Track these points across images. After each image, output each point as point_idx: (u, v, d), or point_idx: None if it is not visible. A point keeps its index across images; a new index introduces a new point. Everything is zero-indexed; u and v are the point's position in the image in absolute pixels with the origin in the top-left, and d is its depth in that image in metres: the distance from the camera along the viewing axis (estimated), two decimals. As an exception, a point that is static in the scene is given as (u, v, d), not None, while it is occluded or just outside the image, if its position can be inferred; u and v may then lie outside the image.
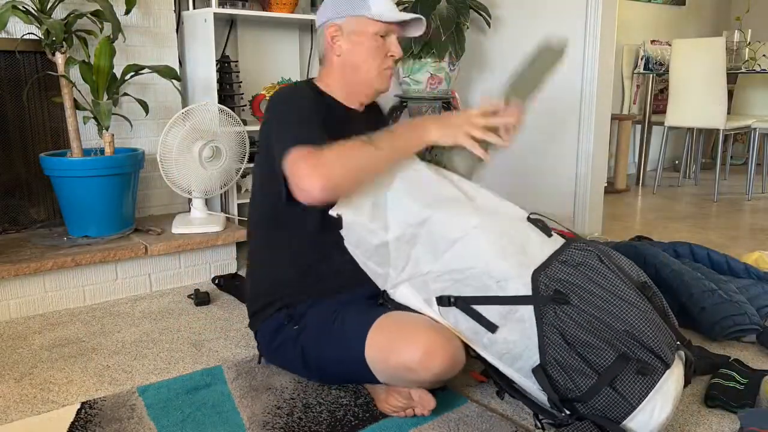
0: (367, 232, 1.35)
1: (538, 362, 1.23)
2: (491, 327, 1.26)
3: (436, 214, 1.31)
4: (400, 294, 1.37)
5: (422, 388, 1.35)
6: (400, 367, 1.27)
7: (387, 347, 1.29)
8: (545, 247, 1.30)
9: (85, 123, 2.13)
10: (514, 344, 1.25)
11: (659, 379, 1.18)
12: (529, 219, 1.36)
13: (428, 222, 1.31)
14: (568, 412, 1.23)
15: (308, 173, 1.22)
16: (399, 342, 1.28)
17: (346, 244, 1.39)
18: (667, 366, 1.19)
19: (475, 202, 1.36)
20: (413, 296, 1.35)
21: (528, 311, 1.23)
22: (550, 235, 1.33)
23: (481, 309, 1.27)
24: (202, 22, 2.44)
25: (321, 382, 1.52)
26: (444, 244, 1.30)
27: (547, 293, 1.22)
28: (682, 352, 1.27)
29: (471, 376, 1.55)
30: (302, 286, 1.46)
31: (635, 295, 1.23)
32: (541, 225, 1.35)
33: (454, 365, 1.28)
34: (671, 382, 1.20)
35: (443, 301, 1.31)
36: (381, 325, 1.32)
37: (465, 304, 1.28)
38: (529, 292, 1.23)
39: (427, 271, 1.32)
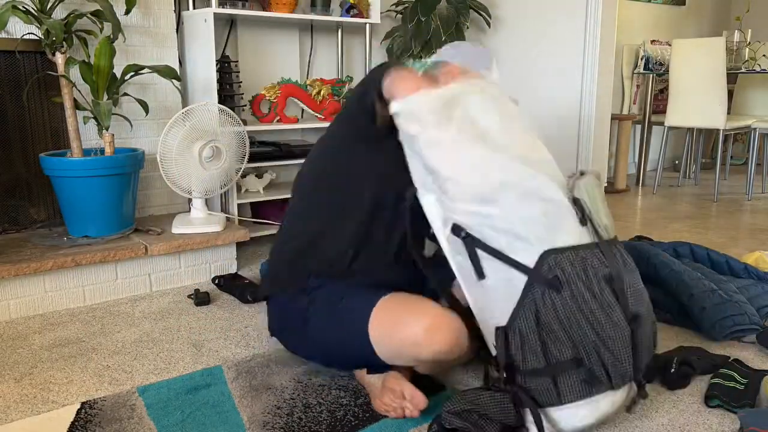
0: (426, 118, 1.34)
1: (504, 324, 1.26)
2: (480, 274, 1.29)
3: (504, 143, 1.33)
4: (427, 201, 1.37)
5: (424, 369, 1.40)
6: (404, 342, 1.30)
7: (392, 321, 1.32)
8: (573, 234, 1.30)
9: (85, 123, 2.13)
10: (492, 300, 1.28)
11: (597, 394, 1.23)
12: (573, 201, 1.34)
13: (489, 141, 1.32)
14: (504, 375, 1.27)
15: None
16: (404, 316, 1.31)
17: (400, 132, 1.40)
18: (612, 387, 1.24)
19: (542, 164, 1.36)
20: (436, 210, 1.36)
21: (521, 279, 1.25)
22: (584, 225, 1.33)
23: (482, 256, 1.29)
24: (202, 22, 2.44)
25: (323, 364, 1.54)
26: (493, 178, 1.30)
27: (547, 276, 1.24)
28: (635, 386, 1.30)
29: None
30: (340, 265, 1.49)
31: (621, 318, 1.25)
32: (582, 213, 1.34)
33: (456, 344, 1.30)
34: (606, 402, 1.25)
35: (456, 229, 1.32)
36: (386, 304, 1.36)
37: (472, 244, 1.30)
38: (531, 265, 1.25)
39: (460, 193, 1.31)
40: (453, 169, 1.32)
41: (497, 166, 1.31)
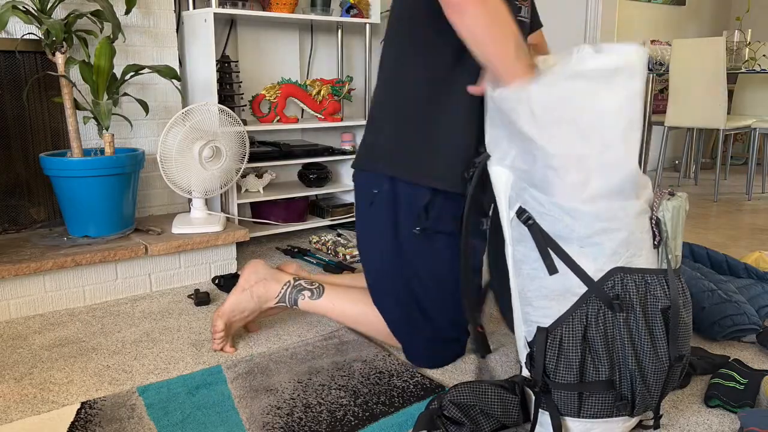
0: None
1: (546, 326, 1.21)
2: (551, 269, 1.21)
3: (613, 138, 1.16)
4: (497, 172, 1.28)
5: None
6: None
7: None
8: (645, 257, 1.21)
9: (85, 123, 2.13)
10: (545, 297, 1.22)
11: (617, 417, 1.22)
12: (655, 222, 1.24)
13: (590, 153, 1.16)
14: (532, 376, 1.24)
15: None
16: None
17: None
18: (632, 415, 1.23)
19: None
20: (504, 185, 1.26)
21: (579, 285, 1.19)
22: (656, 248, 1.25)
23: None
24: (202, 22, 2.45)
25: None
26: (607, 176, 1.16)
27: (608, 293, 1.18)
28: (650, 415, 1.31)
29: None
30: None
31: (665, 353, 1.20)
32: (659, 236, 1.25)
33: None
34: (620, 426, 1.24)
35: (522, 214, 1.23)
36: None
37: (540, 235, 1.20)
38: (594, 276, 1.18)
39: (560, 182, 1.17)
40: (566, 147, 1.15)
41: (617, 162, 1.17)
